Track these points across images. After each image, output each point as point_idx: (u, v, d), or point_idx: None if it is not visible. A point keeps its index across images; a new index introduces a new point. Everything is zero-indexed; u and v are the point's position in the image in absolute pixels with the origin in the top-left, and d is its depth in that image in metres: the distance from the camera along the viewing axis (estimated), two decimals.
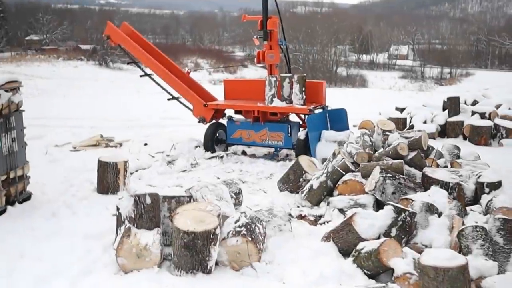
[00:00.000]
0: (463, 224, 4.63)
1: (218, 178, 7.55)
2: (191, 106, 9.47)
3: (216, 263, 4.30)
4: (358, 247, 4.35)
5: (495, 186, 5.61)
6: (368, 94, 29.48)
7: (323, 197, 6.12)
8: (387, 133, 6.77)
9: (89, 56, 54.38)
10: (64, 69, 43.33)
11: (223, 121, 9.47)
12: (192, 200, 4.93)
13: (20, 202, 5.94)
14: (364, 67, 71.20)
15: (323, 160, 7.37)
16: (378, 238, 4.48)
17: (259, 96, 9.02)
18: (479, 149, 8.86)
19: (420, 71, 66.93)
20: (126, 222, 4.53)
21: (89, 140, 10.16)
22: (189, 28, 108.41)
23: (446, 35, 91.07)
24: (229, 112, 9.58)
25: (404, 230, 4.58)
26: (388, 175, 5.54)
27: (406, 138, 6.37)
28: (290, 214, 5.71)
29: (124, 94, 24.18)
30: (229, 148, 9.43)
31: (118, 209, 4.63)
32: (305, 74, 9.07)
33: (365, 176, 5.90)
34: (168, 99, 9.87)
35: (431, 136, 10.05)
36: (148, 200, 4.61)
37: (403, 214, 4.57)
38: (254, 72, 51.30)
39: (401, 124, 11.34)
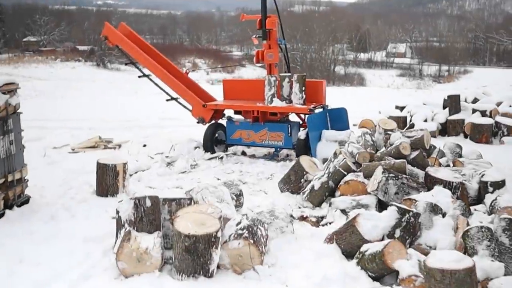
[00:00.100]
0: (467, 224, 4.58)
1: (218, 179, 7.49)
2: (190, 107, 9.40)
3: (218, 267, 4.24)
4: (362, 249, 4.29)
5: (499, 185, 5.56)
6: (366, 92, 29.43)
7: (325, 197, 6.07)
8: (388, 132, 6.70)
9: (87, 57, 54.31)
10: (61, 70, 43.26)
11: (223, 121, 9.40)
12: (192, 202, 4.87)
13: (19, 206, 5.87)
14: (362, 65, 71.16)
15: (324, 160, 7.32)
16: (382, 239, 4.42)
17: (258, 96, 8.95)
18: (480, 147, 8.81)
19: (418, 69, 66.97)
20: (126, 225, 4.47)
21: (87, 142, 10.10)
22: (186, 28, 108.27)
23: (443, 32, 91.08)
24: (229, 112, 9.51)
25: (408, 231, 4.52)
26: (391, 175, 5.47)
27: (408, 137, 6.30)
28: (291, 215, 5.66)
29: (122, 95, 24.10)
30: (228, 148, 9.36)
31: (117, 212, 4.57)
32: (305, 74, 9.01)
33: (367, 176, 5.84)
34: (167, 100, 9.80)
35: (432, 134, 9.95)
36: (148, 203, 4.55)
37: (407, 215, 4.51)
38: (252, 72, 51.23)
39: (401, 122, 11.29)
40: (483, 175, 5.76)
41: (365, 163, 6.12)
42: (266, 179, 7.64)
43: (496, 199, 5.18)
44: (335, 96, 18.80)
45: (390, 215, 4.53)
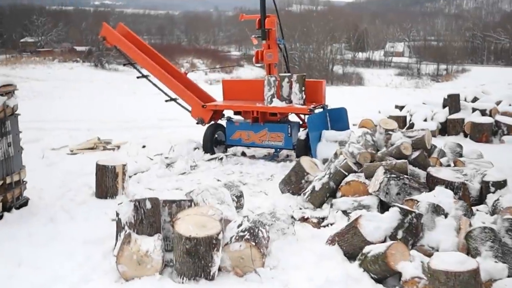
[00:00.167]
0: (470, 225, 4.55)
1: (218, 180, 7.44)
2: (189, 107, 9.36)
3: (219, 269, 4.20)
4: (365, 250, 4.25)
5: (501, 185, 5.53)
6: (365, 92, 29.39)
7: (326, 198, 6.03)
8: (389, 132, 6.67)
9: (85, 58, 54.15)
10: (59, 71, 43.12)
11: (222, 122, 9.36)
12: (193, 204, 4.83)
13: (17, 208, 5.82)
14: (360, 65, 71.08)
15: (324, 161, 7.29)
16: (384, 240, 4.39)
17: (258, 96, 8.91)
18: (480, 147, 8.80)
19: (416, 68, 66.92)
20: (126, 228, 4.44)
21: (86, 143, 10.04)
22: (184, 28, 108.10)
23: (441, 31, 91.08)
24: (228, 112, 9.47)
25: (411, 232, 4.48)
26: (392, 175, 5.44)
27: (410, 137, 6.27)
28: (292, 217, 5.62)
29: (120, 96, 24.04)
30: (228, 149, 9.32)
31: (117, 214, 4.54)
32: (304, 74, 8.97)
33: (369, 176, 5.81)
34: (166, 101, 9.75)
35: (432, 134, 9.86)
36: (148, 205, 4.52)
37: (409, 216, 4.48)
38: (250, 72, 51.17)
39: (401, 122, 11.25)
40: (485, 175, 5.74)
41: (366, 163, 6.09)
42: (266, 180, 7.60)
43: (498, 199, 5.15)
44: (333, 96, 18.71)
45: (392, 216, 4.50)
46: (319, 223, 5.57)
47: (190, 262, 4.00)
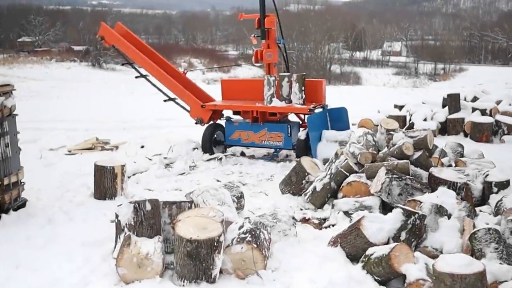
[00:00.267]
0: (474, 226, 4.49)
1: (218, 180, 7.38)
2: (188, 107, 9.30)
3: (220, 271, 4.14)
4: (368, 252, 4.19)
5: (504, 185, 5.50)
6: (362, 91, 29.35)
7: (327, 199, 5.98)
8: (391, 132, 6.62)
9: (82, 57, 54.14)
10: (57, 70, 43.09)
11: (221, 122, 9.30)
12: (193, 205, 4.77)
13: (15, 209, 5.75)
14: (357, 64, 71.16)
15: (325, 161, 7.22)
16: (387, 242, 4.33)
17: (257, 96, 8.85)
18: (480, 146, 8.75)
19: (414, 67, 66.99)
20: (126, 229, 4.38)
21: (84, 143, 9.97)
22: (181, 27, 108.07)
23: (439, 31, 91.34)
24: (227, 112, 9.41)
25: (414, 233, 4.43)
26: (394, 176, 5.39)
27: (411, 137, 6.23)
28: (293, 218, 5.57)
29: (118, 95, 23.98)
30: (227, 149, 9.26)
31: (117, 216, 4.48)
32: (304, 73, 8.91)
33: (370, 177, 5.76)
34: (165, 100, 9.68)
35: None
36: (148, 206, 4.46)
37: (412, 217, 4.42)
38: (248, 71, 51.15)
39: (401, 121, 11.18)
40: (487, 175, 5.69)
41: (368, 163, 6.04)
42: (266, 180, 7.54)
43: (501, 200, 5.10)
44: (331, 95, 18.66)
45: (395, 218, 4.44)
46: (321, 224, 5.52)
47: (191, 264, 3.94)
